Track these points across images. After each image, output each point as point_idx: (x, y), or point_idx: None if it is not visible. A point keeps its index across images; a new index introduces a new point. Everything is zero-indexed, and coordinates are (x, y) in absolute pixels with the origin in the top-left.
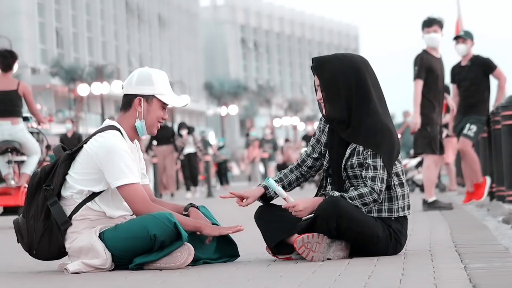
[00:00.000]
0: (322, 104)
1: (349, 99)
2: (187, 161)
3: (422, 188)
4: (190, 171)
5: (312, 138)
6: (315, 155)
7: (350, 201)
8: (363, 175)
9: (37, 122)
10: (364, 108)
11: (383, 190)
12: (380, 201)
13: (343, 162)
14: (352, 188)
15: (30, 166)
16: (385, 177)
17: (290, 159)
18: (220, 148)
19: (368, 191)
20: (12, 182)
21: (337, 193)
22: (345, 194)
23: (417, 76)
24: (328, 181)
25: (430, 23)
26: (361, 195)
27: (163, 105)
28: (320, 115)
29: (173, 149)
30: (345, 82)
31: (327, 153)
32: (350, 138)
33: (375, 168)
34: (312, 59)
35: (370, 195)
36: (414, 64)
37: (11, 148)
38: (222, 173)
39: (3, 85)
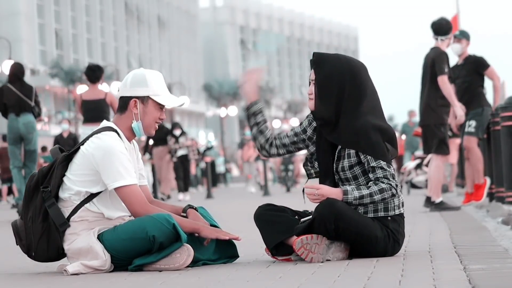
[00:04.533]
0: (312, 100)
1: (340, 100)
2: (180, 163)
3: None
4: (183, 173)
5: (298, 126)
6: (295, 139)
7: (370, 197)
8: (372, 177)
9: None
10: (354, 110)
11: (398, 185)
12: (396, 195)
13: (334, 165)
14: (371, 182)
15: None
16: (393, 173)
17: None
18: (208, 149)
19: (387, 186)
20: None
21: (356, 191)
22: (366, 191)
23: (444, 72)
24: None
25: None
26: (382, 190)
27: (160, 106)
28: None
29: (169, 151)
30: (339, 83)
31: (312, 151)
32: (337, 140)
33: (382, 168)
34: (314, 53)
35: (389, 190)
36: (436, 61)
37: None
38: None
39: (93, 94)
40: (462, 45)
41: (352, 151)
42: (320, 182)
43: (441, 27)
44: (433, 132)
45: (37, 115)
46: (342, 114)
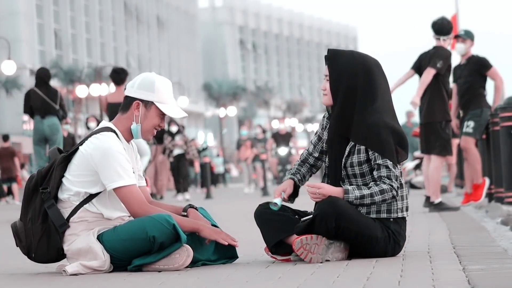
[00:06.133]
0: (326, 96)
1: (353, 96)
2: (177, 163)
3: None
4: (180, 173)
5: (313, 136)
6: (316, 154)
7: (370, 197)
8: (375, 175)
9: None
10: (368, 107)
11: (399, 187)
12: (397, 198)
13: (343, 160)
14: (372, 183)
15: (142, 165)
16: (398, 175)
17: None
18: (203, 149)
19: (388, 187)
20: None
21: (357, 191)
22: (366, 191)
23: (435, 67)
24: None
25: None
26: (383, 191)
27: (162, 114)
28: (319, 116)
29: (163, 149)
30: (352, 79)
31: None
32: (351, 136)
33: (387, 167)
34: (328, 49)
35: (390, 191)
36: (437, 56)
37: None
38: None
39: (117, 97)
40: (466, 45)
41: (362, 148)
42: (329, 177)
43: (443, 27)
44: (437, 131)
45: (62, 118)
46: (356, 110)
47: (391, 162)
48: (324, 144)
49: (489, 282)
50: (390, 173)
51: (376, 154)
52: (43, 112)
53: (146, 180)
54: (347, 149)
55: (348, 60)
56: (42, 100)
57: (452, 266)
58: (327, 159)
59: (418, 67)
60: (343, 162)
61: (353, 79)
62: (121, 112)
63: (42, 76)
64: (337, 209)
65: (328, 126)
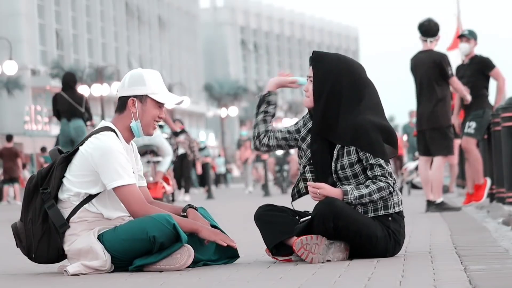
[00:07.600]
0: (308, 98)
1: (337, 98)
2: (180, 163)
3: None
4: (182, 173)
5: (292, 125)
6: (285, 135)
7: (369, 196)
8: (370, 175)
9: (170, 129)
10: (353, 109)
11: (395, 182)
12: (393, 193)
13: (332, 164)
14: (369, 181)
15: (165, 165)
16: (391, 171)
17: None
18: (201, 149)
19: (385, 185)
20: (151, 179)
21: (356, 191)
22: (365, 190)
23: (453, 74)
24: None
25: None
26: (380, 188)
27: (159, 104)
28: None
29: None
30: (337, 81)
31: (306, 152)
32: (336, 138)
33: (380, 166)
34: (313, 51)
35: (387, 188)
36: (444, 63)
37: (150, 151)
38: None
39: None
40: (470, 45)
41: (353, 148)
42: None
43: (430, 29)
44: (445, 134)
45: (87, 120)
46: (340, 112)
47: (384, 160)
48: (303, 144)
49: (490, 283)
50: (384, 171)
51: (367, 154)
52: (69, 115)
53: (167, 180)
54: (335, 152)
55: (334, 62)
56: (68, 104)
57: (454, 266)
58: (304, 159)
59: (415, 75)
60: (333, 166)
61: (338, 80)
62: (117, 112)
63: (68, 81)
64: (334, 209)
65: (309, 126)
